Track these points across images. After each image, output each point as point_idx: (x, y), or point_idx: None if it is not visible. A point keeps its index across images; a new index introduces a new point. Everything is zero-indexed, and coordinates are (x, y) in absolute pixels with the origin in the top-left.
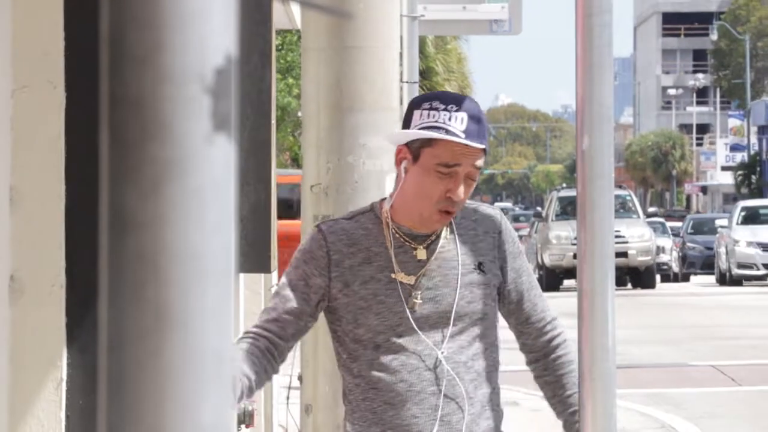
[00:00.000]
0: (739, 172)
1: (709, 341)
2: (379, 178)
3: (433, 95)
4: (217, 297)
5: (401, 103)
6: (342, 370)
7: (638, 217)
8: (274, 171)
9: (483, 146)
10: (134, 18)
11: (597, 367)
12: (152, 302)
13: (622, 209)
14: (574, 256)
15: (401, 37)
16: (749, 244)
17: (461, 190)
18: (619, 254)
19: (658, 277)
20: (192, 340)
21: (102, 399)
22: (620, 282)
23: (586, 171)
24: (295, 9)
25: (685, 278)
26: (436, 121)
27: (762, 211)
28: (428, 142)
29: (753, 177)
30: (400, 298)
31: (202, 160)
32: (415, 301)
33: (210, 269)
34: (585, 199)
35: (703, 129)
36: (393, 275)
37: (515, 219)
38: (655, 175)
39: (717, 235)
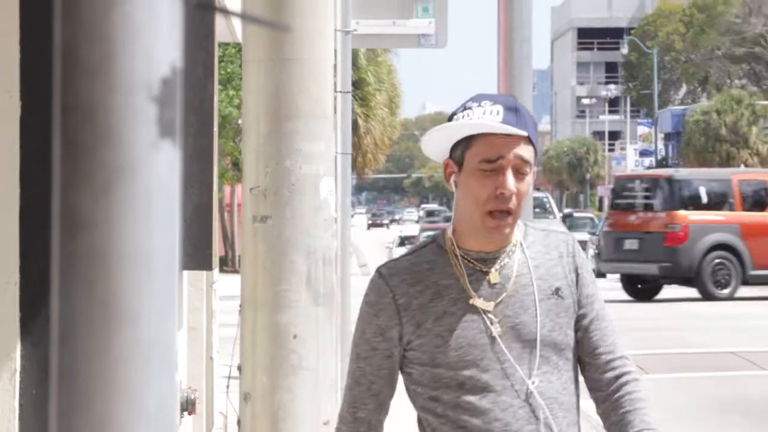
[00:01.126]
0: None
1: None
2: (314, 181)
3: (468, 99)
4: (162, 293)
5: (335, 111)
6: (420, 411)
7: (554, 217)
8: (216, 175)
9: (525, 133)
10: (86, 31)
11: None
12: (102, 297)
13: (541, 210)
14: None
15: (335, 50)
16: None
17: (511, 181)
18: None
19: None
20: (139, 333)
21: (54, 389)
22: None
23: None
24: (237, 23)
25: (601, 275)
26: (470, 119)
27: None
28: (468, 144)
29: None
30: (479, 330)
31: (148, 164)
32: (496, 330)
33: (156, 267)
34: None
35: (615, 136)
36: (471, 301)
37: (446, 220)
38: (570, 178)
39: None
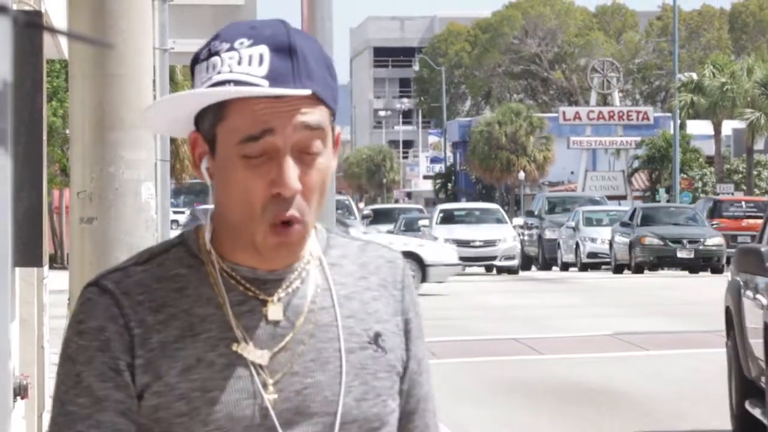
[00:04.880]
0: (438, 181)
1: None
2: (136, 186)
3: (214, 35)
4: None
5: None
6: None
7: (355, 218)
8: (45, 180)
9: (306, 91)
10: None
11: None
12: None
13: (342, 212)
14: None
15: (154, 66)
16: (446, 240)
17: (291, 174)
18: None
19: None
20: None
21: None
22: None
23: None
24: (63, 40)
25: None
26: (218, 73)
27: (456, 213)
28: (218, 113)
29: (449, 185)
30: (245, 394)
31: None
32: (270, 397)
33: None
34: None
35: (408, 144)
36: (234, 347)
37: None
38: (369, 182)
39: (419, 232)
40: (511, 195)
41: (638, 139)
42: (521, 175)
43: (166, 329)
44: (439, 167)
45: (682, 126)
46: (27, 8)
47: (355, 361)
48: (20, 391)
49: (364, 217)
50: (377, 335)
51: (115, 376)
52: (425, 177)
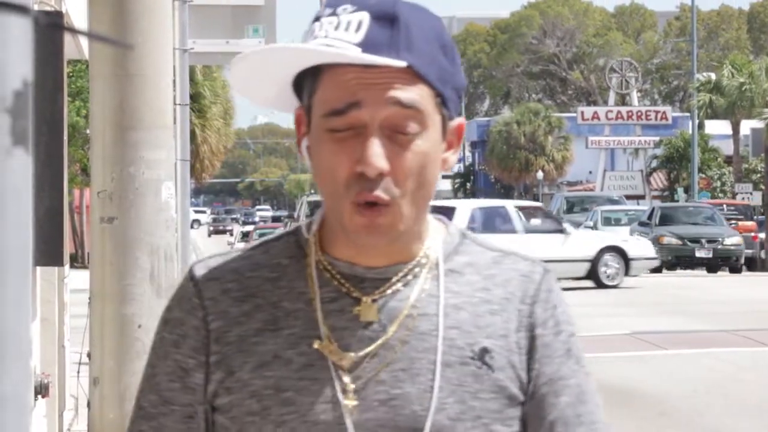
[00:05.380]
0: (457, 180)
1: None
2: (156, 185)
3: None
4: (17, 286)
5: (174, 122)
6: None
7: None
8: (66, 180)
9: (401, 63)
10: None
11: None
12: None
13: None
14: None
15: (174, 67)
16: None
17: (376, 151)
18: None
19: None
20: None
21: None
22: None
23: None
24: (84, 41)
25: None
26: (315, 38)
27: None
28: (313, 85)
29: (468, 184)
30: (324, 398)
31: (2, 170)
32: (350, 404)
33: (11, 263)
34: None
35: None
36: (316, 345)
37: (275, 219)
38: None
39: None
40: (530, 195)
41: (657, 138)
42: (540, 174)
43: (248, 321)
44: (457, 167)
45: (701, 126)
46: (48, 9)
47: (451, 376)
48: (41, 390)
49: None
50: (484, 351)
51: (184, 376)
52: (444, 176)
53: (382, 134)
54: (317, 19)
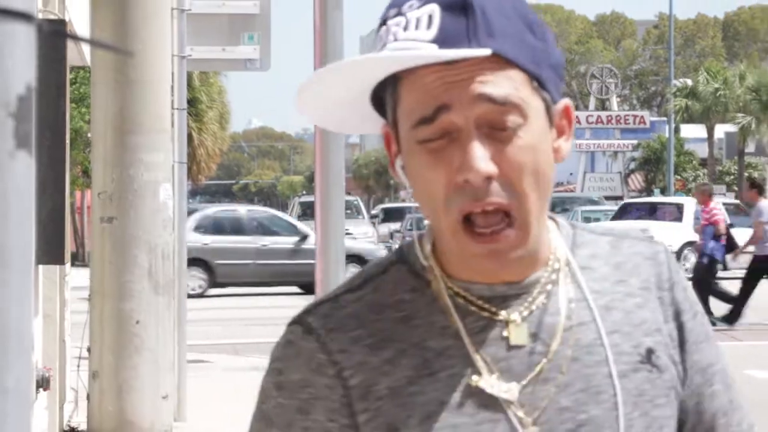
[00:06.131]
0: None
1: None
2: (154, 187)
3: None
4: (19, 284)
5: (172, 126)
6: None
7: (363, 218)
8: (68, 182)
9: (485, 51)
10: None
11: None
12: None
13: (351, 211)
14: None
15: (172, 73)
16: None
17: (477, 153)
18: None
19: None
20: None
21: None
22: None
23: (323, 180)
24: (86, 48)
25: None
26: (383, 46)
27: None
28: (394, 97)
29: None
30: None
31: (6, 172)
32: None
33: (13, 261)
34: (322, 203)
35: None
36: (475, 380)
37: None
38: (377, 184)
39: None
40: None
41: (635, 142)
42: None
43: (396, 370)
44: None
45: (677, 130)
46: (52, 17)
47: (630, 387)
48: (43, 383)
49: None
50: (650, 352)
51: None
52: None
53: (480, 134)
54: (383, 23)
